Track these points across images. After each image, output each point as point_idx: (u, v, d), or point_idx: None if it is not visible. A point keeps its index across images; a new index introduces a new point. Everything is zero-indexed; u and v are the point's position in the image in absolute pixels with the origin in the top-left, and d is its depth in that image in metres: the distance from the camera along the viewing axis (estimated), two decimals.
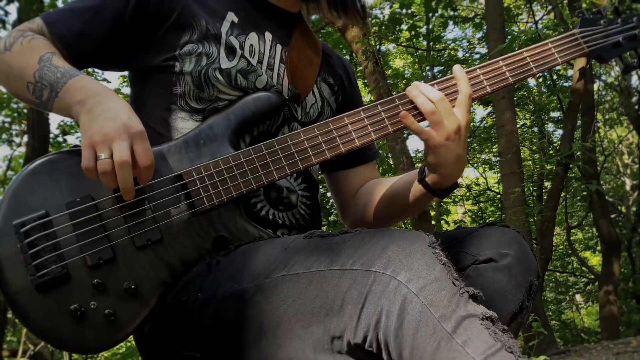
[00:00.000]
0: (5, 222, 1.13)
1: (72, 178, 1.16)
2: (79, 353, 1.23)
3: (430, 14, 8.44)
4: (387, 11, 9.32)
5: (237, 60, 1.29)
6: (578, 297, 13.54)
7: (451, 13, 8.57)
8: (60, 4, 7.78)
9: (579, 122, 7.29)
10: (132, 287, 1.12)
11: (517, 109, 8.48)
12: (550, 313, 11.96)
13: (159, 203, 1.16)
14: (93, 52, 1.28)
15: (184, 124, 1.28)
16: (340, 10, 1.48)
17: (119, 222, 1.14)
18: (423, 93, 1.24)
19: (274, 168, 1.21)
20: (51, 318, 1.10)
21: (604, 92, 10.79)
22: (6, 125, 10.17)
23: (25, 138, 9.14)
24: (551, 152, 8.49)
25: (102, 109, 1.10)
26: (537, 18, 8.87)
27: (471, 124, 10.50)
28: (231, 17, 1.33)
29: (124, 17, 1.26)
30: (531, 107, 9.19)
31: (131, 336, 1.24)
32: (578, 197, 9.44)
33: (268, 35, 1.36)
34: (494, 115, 7.08)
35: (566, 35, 1.40)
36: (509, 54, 1.35)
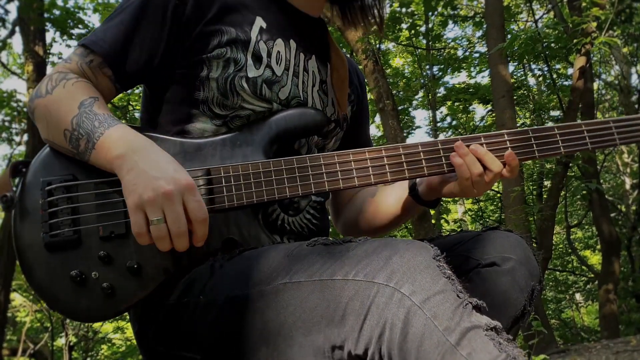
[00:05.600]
0: (35, 177, 1.18)
1: None
2: (70, 318, 1.24)
3: (430, 13, 8.43)
4: (387, 10, 9.30)
5: (263, 70, 1.28)
6: (578, 296, 13.55)
7: (451, 12, 8.57)
8: (60, 3, 7.78)
9: (578, 121, 7.28)
10: (135, 266, 1.13)
11: (517, 108, 8.48)
12: (550, 312, 11.96)
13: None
14: (140, 64, 1.25)
15: (201, 126, 1.27)
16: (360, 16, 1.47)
17: None
18: (477, 155, 1.24)
19: (300, 184, 1.20)
20: (52, 277, 1.13)
21: (603, 91, 10.80)
22: (6, 124, 10.15)
23: (25, 137, 9.13)
24: None
25: (145, 165, 1.06)
26: (537, 17, 8.87)
27: (471, 122, 10.51)
28: (260, 22, 1.31)
29: (164, 24, 1.23)
30: (531, 105, 9.19)
31: (133, 336, 1.24)
32: (578, 196, 9.43)
33: (293, 43, 1.35)
34: (493, 114, 7.08)
35: (632, 117, 1.33)
36: (565, 124, 1.30)
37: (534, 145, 1.27)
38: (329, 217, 1.46)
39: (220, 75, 1.24)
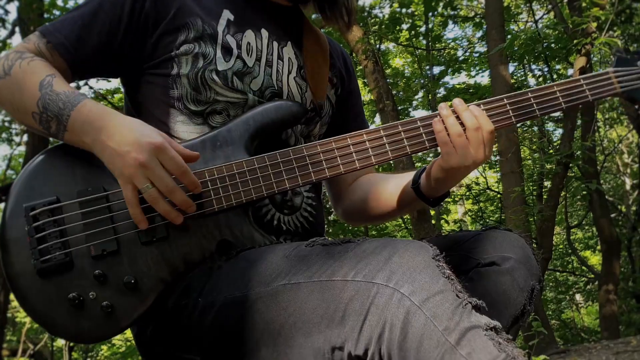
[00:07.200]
0: (17, 204, 1.14)
1: (87, 167, 1.17)
2: (72, 341, 1.24)
3: (430, 13, 8.44)
4: (387, 10, 9.32)
5: (234, 61, 1.28)
6: (578, 297, 13.53)
7: (451, 12, 8.57)
8: (60, 2, 7.78)
9: (579, 122, 7.29)
10: (132, 281, 1.12)
11: None
12: (550, 312, 11.95)
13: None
14: (93, 57, 1.26)
15: (185, 128, 1.27)
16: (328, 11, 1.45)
17: (127, 215, 1.14)
18: (456, 109, 1.23)
19: (286, 177, 1.20)
20: (49, 303, 1.11)
21: None
22: (6, 124, 10.16)
23: (25, 137, 9.13)
24: (551, 151, 8.48)
25: (113, 142, 1.10)
26: (537, 17, 8.87)
27: None
28: (227, 15, 1.32)
29: (122, 18, 1.25)
30: None
31: (132, 336, 1.24)
32: (578, 197, 9.44)
33: (264, 33, 1.35)
34: None
35: (600, 73, 1.37)
36: (539, 87, 1.32)
37: (510, 111, 1.28)
38: (323, 211, 1.45)
39: (190, 70, 1.25)
